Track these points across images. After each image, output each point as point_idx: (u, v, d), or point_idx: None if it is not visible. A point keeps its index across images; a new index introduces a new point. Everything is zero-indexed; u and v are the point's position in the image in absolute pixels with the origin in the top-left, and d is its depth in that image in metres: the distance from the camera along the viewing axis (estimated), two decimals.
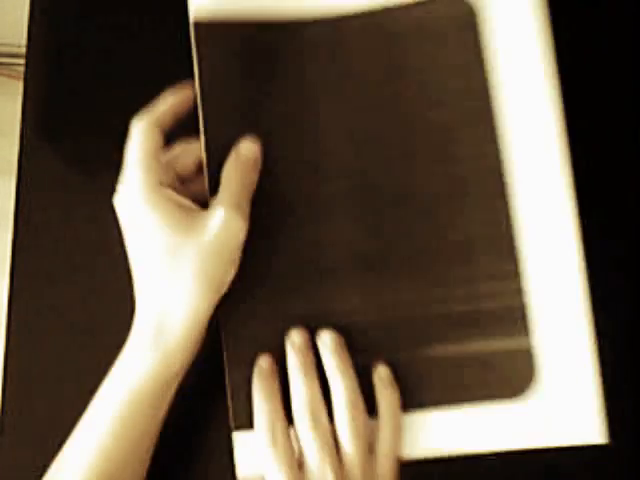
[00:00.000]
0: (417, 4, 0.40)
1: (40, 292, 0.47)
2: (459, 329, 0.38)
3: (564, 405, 0.37)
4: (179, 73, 0.49)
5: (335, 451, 0.36)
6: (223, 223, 0.34)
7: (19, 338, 0.46)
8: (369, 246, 0.39)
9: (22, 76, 0.49)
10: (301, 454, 0.36)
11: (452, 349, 0.38)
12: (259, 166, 0.39)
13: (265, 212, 0.39)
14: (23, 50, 0.50)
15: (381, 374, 0.38)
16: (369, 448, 0.36)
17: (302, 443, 0.36)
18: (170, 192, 0.36)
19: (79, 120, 0.49)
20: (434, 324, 0.39)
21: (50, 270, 0.47)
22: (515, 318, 0.38)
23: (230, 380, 0.39)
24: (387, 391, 0.38)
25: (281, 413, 0.37)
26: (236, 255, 0.36)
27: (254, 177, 0.38)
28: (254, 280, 0.39)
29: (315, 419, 0.36)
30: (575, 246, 0.38)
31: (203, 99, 0.40)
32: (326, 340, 0.38)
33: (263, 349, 0.39)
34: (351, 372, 0.37)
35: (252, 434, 0.38)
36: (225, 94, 0.40)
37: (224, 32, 0.40)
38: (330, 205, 0.39)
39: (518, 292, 0.38)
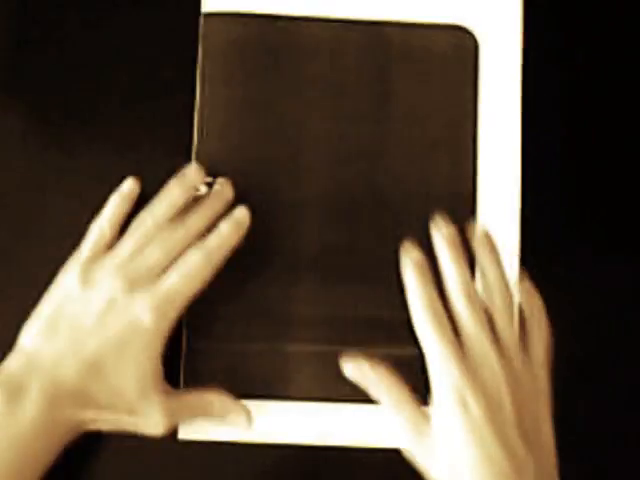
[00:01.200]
0: (422, 25, 0.43)
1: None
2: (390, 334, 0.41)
3: None
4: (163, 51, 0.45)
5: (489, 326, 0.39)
6: (152, 426, 0.39)
7: None
8: (334, 253, 0.42)
9: None
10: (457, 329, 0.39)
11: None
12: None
13: (253, 213, 0.41)
14: None
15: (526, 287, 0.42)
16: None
17: (459, 318, 0.39)
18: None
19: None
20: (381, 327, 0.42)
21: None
22: None
23: None
24: (533, 296, 0.42)
25: (436, 294, 0.40)
26: None
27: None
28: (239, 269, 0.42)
29: (471, 296, 0.39)
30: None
31: (202, 86, 0.43)
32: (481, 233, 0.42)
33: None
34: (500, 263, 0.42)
35: None
36: (224, 85, 0.43)
37: (231, 24, 0.43)
38: (306, 210, 0.42)
39: None
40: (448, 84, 0.43)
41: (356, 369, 0.40)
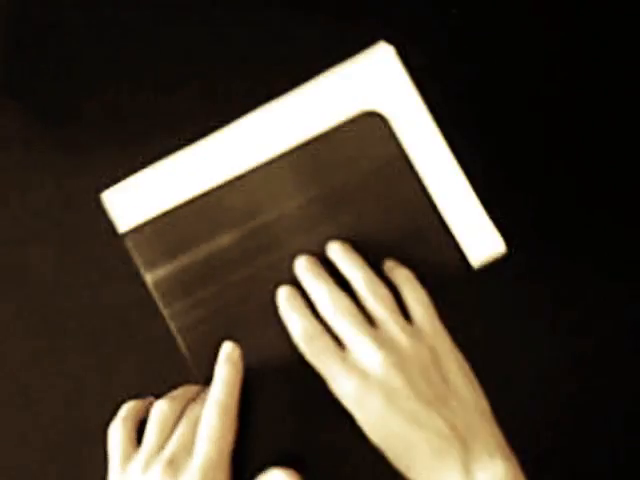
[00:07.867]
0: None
1: None
2: None
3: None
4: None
5: (366, 323, 0.38)
6: None
7: None
8: None
9: None
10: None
11: None
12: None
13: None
14: None
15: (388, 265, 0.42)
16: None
17: (338, 331, 0.38)
18: None
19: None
20: None
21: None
22: None
23: None
24: (399, 270, 0.41)
25: (312, 316, 0.40)
26: None
27: None
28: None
29: (341, 307, 0.39)
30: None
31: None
32: (334, 247, 0.41)
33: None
34: (362, 263, 0.40)
35: (121, 187, 0.43)
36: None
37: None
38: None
39: None
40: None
41: None
